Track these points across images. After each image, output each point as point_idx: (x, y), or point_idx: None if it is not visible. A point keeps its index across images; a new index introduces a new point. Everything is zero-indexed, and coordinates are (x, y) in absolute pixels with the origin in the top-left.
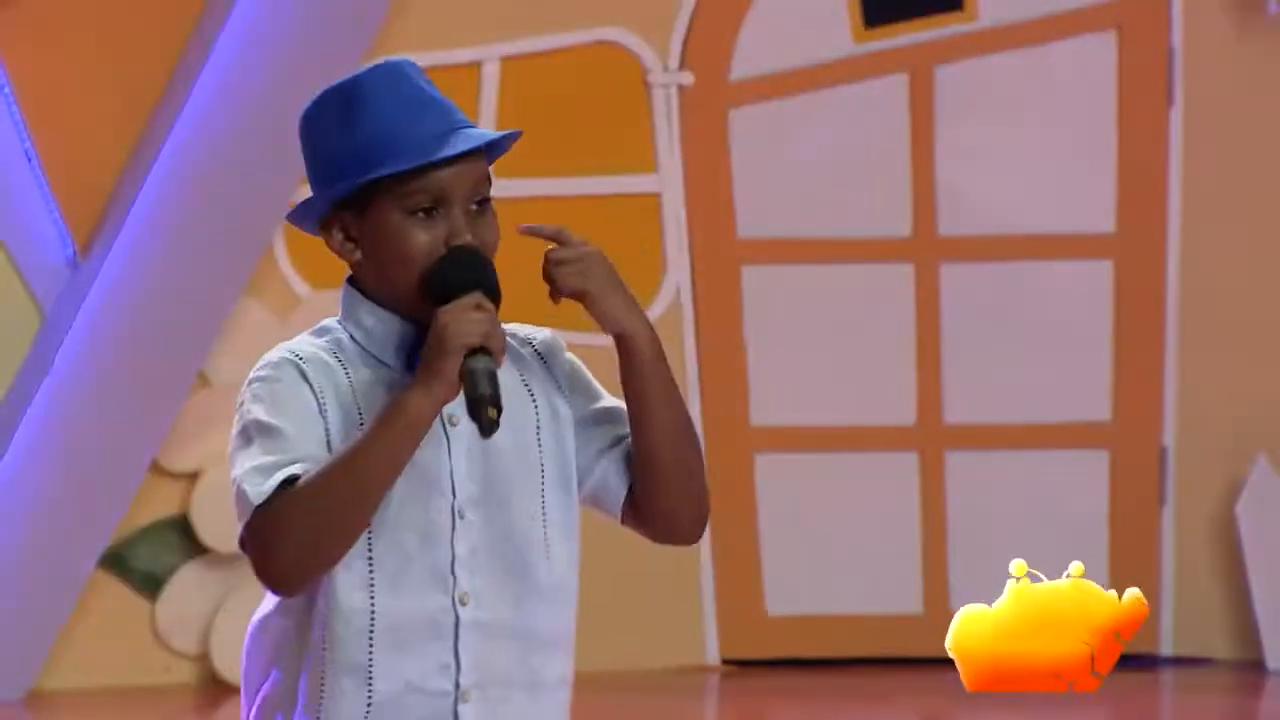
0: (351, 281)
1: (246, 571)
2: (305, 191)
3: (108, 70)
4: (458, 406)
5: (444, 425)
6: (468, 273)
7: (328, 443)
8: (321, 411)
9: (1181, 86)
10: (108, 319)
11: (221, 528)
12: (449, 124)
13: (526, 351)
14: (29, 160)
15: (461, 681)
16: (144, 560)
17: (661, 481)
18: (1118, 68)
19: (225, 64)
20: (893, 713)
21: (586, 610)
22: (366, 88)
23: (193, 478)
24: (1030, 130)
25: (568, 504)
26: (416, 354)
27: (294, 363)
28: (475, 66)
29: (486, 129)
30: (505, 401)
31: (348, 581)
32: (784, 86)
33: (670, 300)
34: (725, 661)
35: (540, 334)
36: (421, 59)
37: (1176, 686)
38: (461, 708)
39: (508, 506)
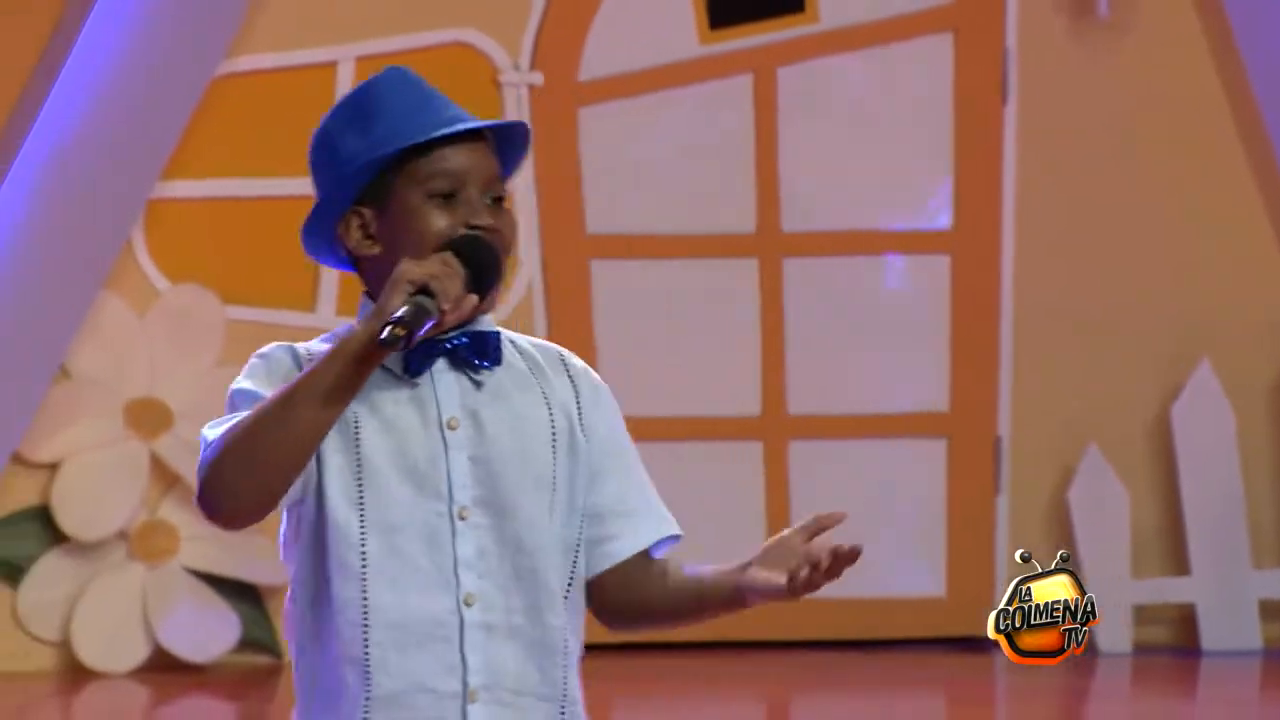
0: (368, 289)
1: (106, 560)
2: (162, 188)
3: None
4: (458, 409)
5: (442, 429)
6: (467, 250)
7: None
8: None
9: (1016, 86)
10: None
11: (81, 517)
12: (458, 113)
13: (554, 369)
14: None
15: (470, 682)
16: (5, 549)
17: (649, 626)
18: (954, 68)
19: (85, 60)
20: (739, 693)
21: None
22: (378, 88)
23: (53, 468)
24: (870, 129)
25: (574, 524)
26: (416, 357)
27: (292, 349)
28: (330, 66)
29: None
30: (516, 406)
31: (341, 575)
32: (632, 86)
33: (522, 294)
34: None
35: (578, 362)
36: (277, 59)
37: (1010, 668)
38: (470, 708)
39: (515, 512)
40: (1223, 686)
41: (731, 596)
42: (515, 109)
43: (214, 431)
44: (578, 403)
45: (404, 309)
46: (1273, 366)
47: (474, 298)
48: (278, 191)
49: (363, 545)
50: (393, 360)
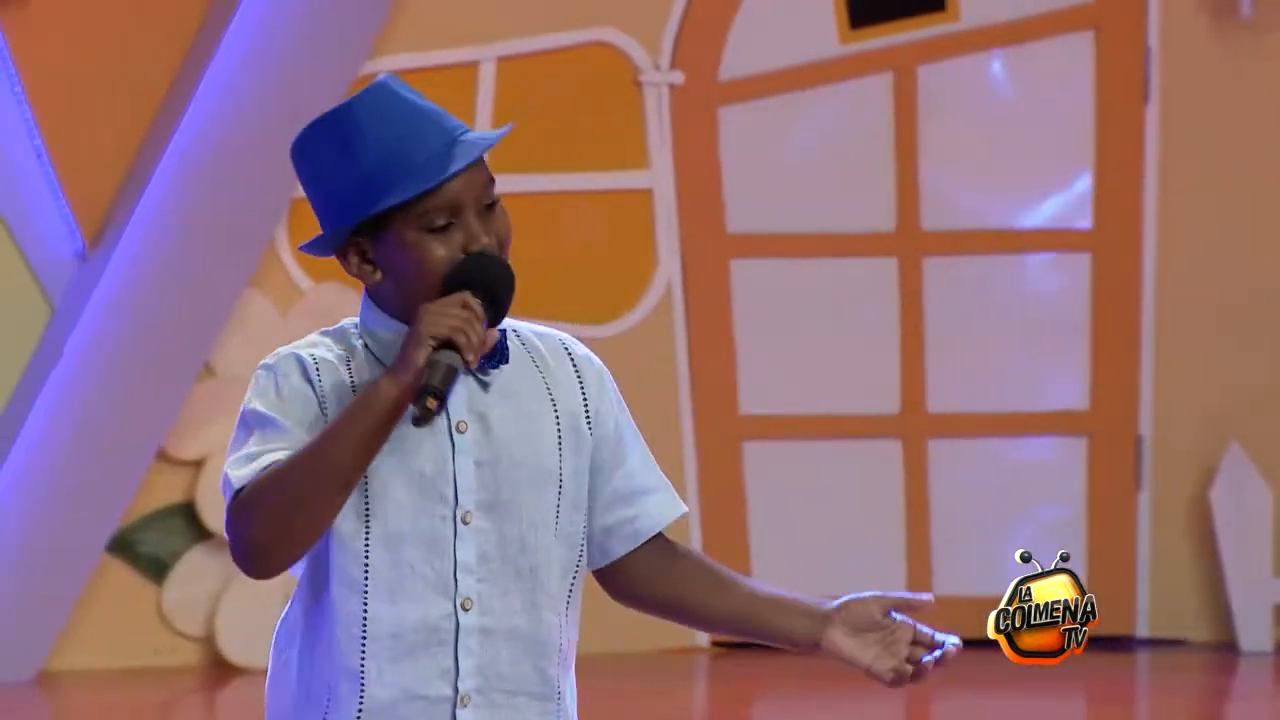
0: (371, 294)
1: None
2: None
3: (115, 67)
4: (466, 412)
5: (450, 432)
6: (476, 275)
7: None
8: (322, 408)
9: (1157, 84)
10: (115, 311)
11: None
12: (448, 136)
13: (558, 360)
14: (38, 156)
15: (460, 686)
16: (150, 545)
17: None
18: (1095, 66)
19: (230, 60)
20: (878, 691)
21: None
22: (359, 114)
23: (198, 465)
24: (1010, 127)
25: (578, 520)
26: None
27: (299, 359)
28: (472, 66)
29: (482, 129)
30: (523, 405)
31: (343, 588)
32: (772, 85)
33: (662, 293)
34: (714, 644)
35: (580, 349)
36: (419, 59)
37: (1152, 667)
38: (460, 712)
39: (518, 515)
40: None
41: (801, 640)
42: (656, 108)
43: (236, 473)
44: (583, 393)
45: (436, 379)
46: None
47: (494, 333)
48: None
49: (366, 558)
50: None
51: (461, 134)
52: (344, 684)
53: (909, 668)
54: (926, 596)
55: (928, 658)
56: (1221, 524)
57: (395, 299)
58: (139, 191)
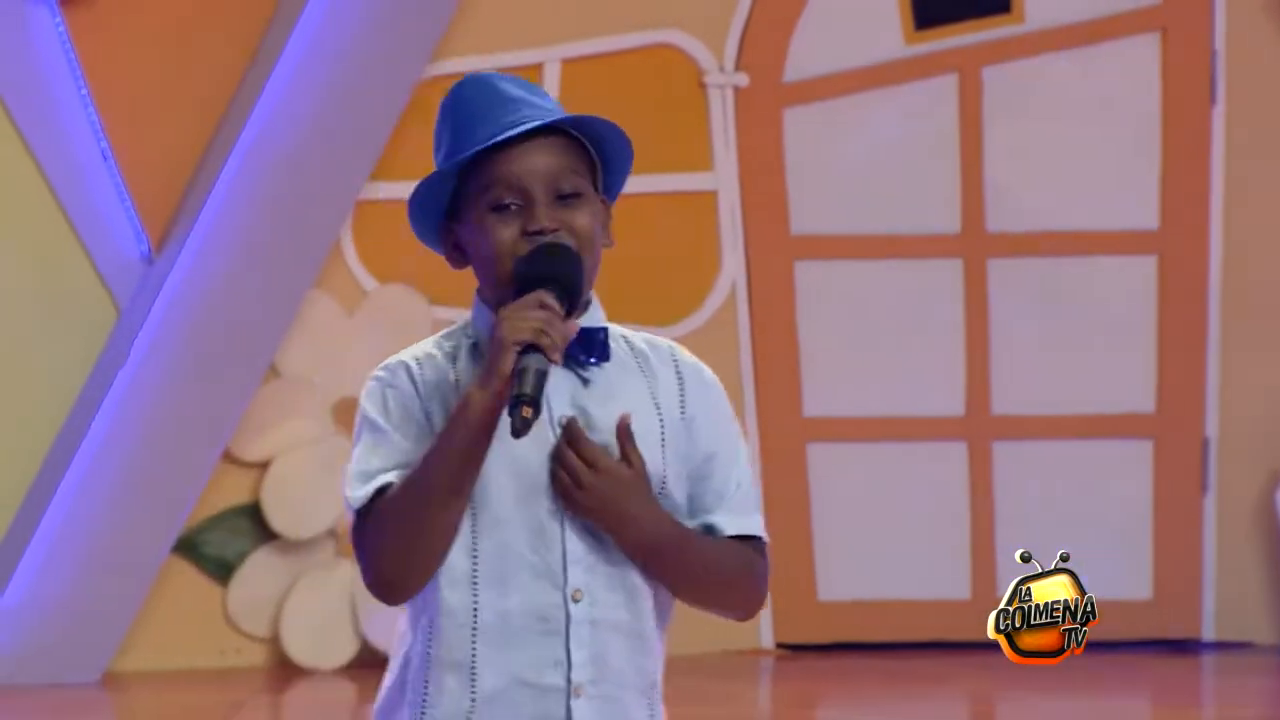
0: (478, 289)
1: (315, 558)
2: (370, 189)
3: (181, 71)
4: (570, 407)
5: (552, 426)
6: (543, 267)
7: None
8: (427, 415)
9: (1223, 86)
10: (181, 313)
11: (291, 515)
12: (518, 118)
13: (663, 367)
14: (105, 159)
15: (574, 677)
16: (216, 546)
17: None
18: (1161, 68)
19: (294, 65)
20: (943, 693)
21: None
22: (453, 100)
23: (263, 466)
24: (1076, 129)
25: (676, 518)
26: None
27: (406, 367)
28: (537, 68)
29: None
30: (626, 406)
31: (450, 579)
32: (836, 87)
33: (726, 294)
34: (779, 645)
35: (689, 358)
36: (485, 61)
37: (1218, 670)
38: (574, 703)
39: None
40: None
41: None
42: (720, 110)
43: (354, 494)
44: (682, 399)
45: (526, 387)
46: None
47: (575, 324)
48: None
49: (474, 548)
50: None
51: (534, 119)
52: (451, 678)
53: None
54: None
55: None
56: None
57: (483, 286)
58: (204, 194)
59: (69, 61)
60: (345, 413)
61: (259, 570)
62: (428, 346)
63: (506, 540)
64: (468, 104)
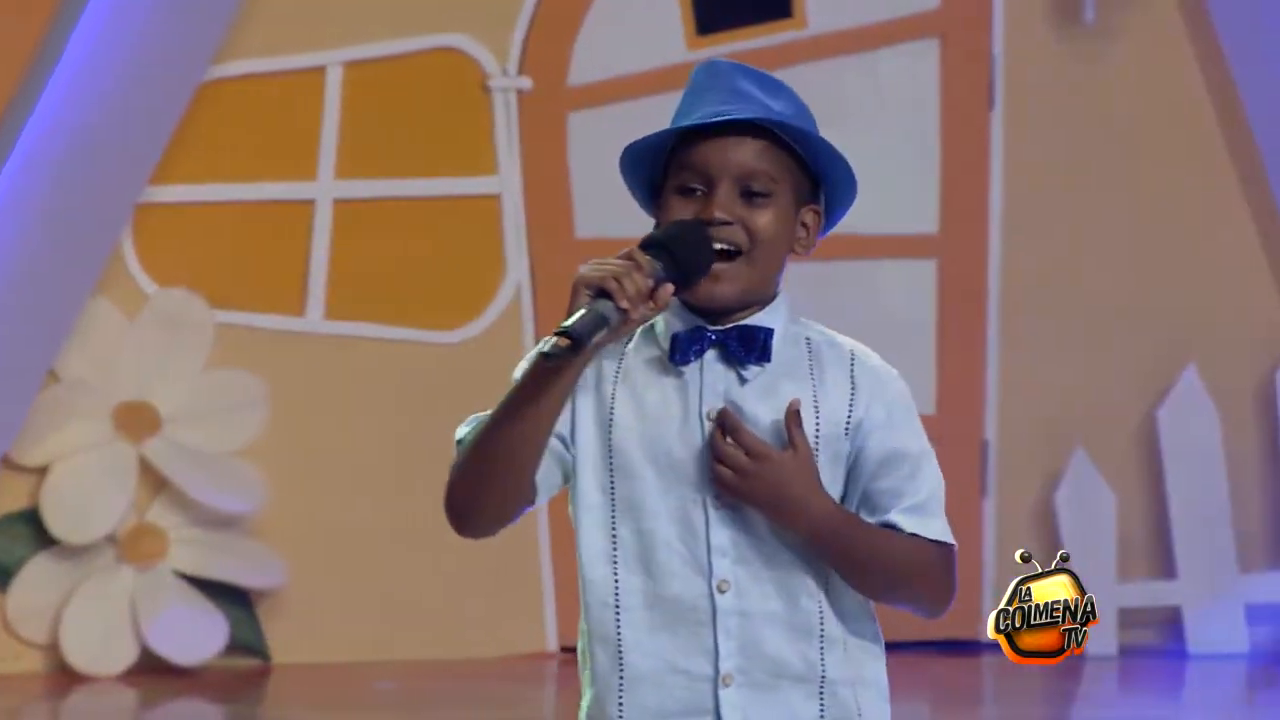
0: None
1: (95, 563)
2: (151, 192)
3: None
4: (722, 401)
5: (700, 418)
6: (663, 235)
7: (572, 420)
8: (583, 388)
9: (1002, 91)
10: None
11: (70, 520)
12: (726, 109)
13: (837, 368)
14: None
15: (721, 666)
16: None
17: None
18: (941, 73)
19: (76, 64)
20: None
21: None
22: (693, 79)
23: (42, 471)
24: (857, 133)
25: None
26: (681, 346)
27: None
28: (319, 71)
29: (330, 133)
30: (781, 405)
31: (590, 555)
32: (621, 90)
33: (510, 298)
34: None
35: (870, 361)
36: (265, 63)
37: (998, 670)
38: (722, 692)
39: None
40: (1209, 690)
41: None
42: (504, 113)
43: (461, 429)
44: (850, 403)
45: (573, 320)
46: (1258, 370)
47: (669, 288)
48: (265, 196)
49: (613, 530)
50: (667, 346)
51: (736, 113)
52: (603, 652)
53: None
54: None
55: None
56: (1066, 528)
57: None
58: None
59: None
60: (126, 417)
61: (38, 576)
62: None
63: (650, 528)
64: (696, 87)
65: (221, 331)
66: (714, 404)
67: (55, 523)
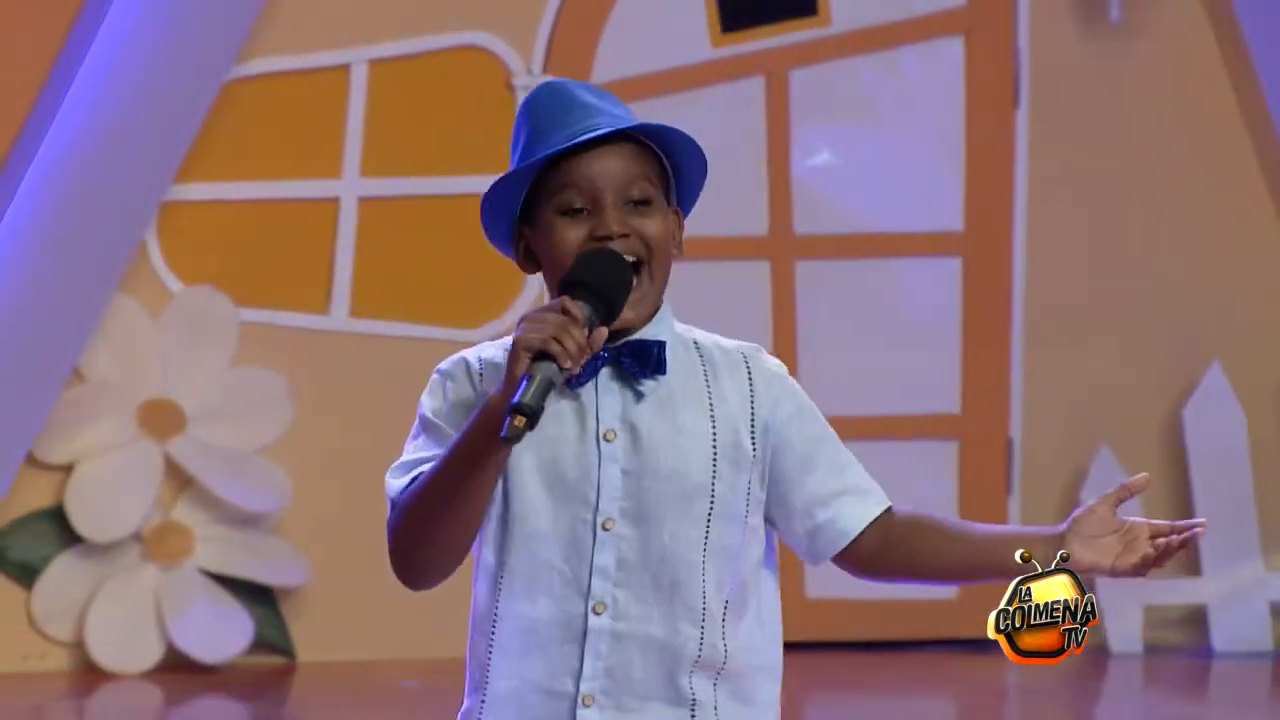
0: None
1: (119, 561)
2: (175, 190)
3: None
4: (617, 421)
5: (597, 440)
6: (582, 273)
7: None
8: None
9: (1027, 88)
10: None
11: (95, 518)
12: (592, 123)
13: (732, 372)
14: None
15: (582, 686)
16: (19, 550)
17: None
18: (965, 70)
19: (99, 64)
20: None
21: None
22: (531, 103)
23: (67, 470)
24: (882, 131)
25: (734, 530)
26: (582, 367)
27: (466, 363)
28: (343, 69)
29: (354, 131)
30: (678, 416)
31: (482, 585)
32: (645, 88)
33: (534, 297)
34: None
35: (764, 362)
36: (290, 62)
37: (1020, 668)
38: (581, 712)
39: (662, 525)
40: (1233, 688)
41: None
42: None
43: (393, 482)
44: (752, 406)
45: (527, 395)
46: None
47: (603, 331)
48: (290, 194)
49: (503, 552)
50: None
51: (607, 126)
52: (478, 671)
53: (1152, 552)
54: (1142, 476)
55: (1168, 538)
56: None
57: (550, 291)
58: (8, 196)
59: None
60: (150, 416)
61: (63, 574)
62: (493, 349)
63: (537, 550)
64: (544, 109)
65: (246, 330)
66: (610, 424)
67: (80, 521)
